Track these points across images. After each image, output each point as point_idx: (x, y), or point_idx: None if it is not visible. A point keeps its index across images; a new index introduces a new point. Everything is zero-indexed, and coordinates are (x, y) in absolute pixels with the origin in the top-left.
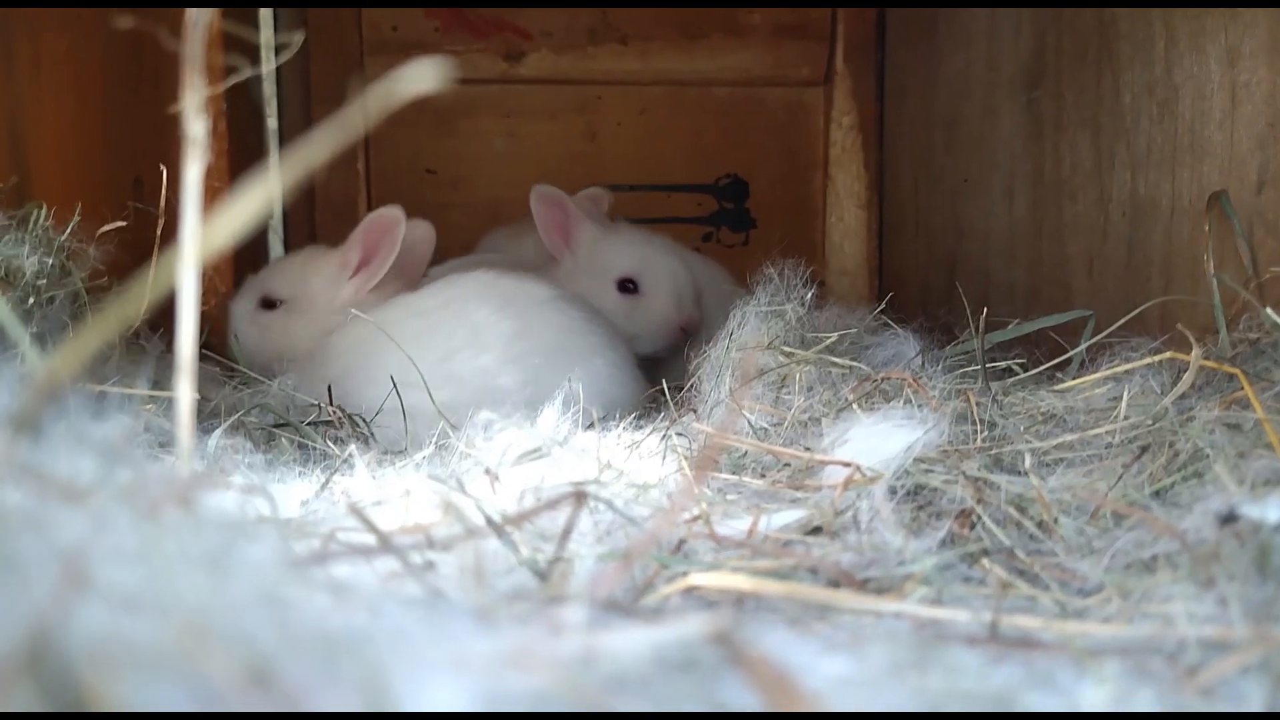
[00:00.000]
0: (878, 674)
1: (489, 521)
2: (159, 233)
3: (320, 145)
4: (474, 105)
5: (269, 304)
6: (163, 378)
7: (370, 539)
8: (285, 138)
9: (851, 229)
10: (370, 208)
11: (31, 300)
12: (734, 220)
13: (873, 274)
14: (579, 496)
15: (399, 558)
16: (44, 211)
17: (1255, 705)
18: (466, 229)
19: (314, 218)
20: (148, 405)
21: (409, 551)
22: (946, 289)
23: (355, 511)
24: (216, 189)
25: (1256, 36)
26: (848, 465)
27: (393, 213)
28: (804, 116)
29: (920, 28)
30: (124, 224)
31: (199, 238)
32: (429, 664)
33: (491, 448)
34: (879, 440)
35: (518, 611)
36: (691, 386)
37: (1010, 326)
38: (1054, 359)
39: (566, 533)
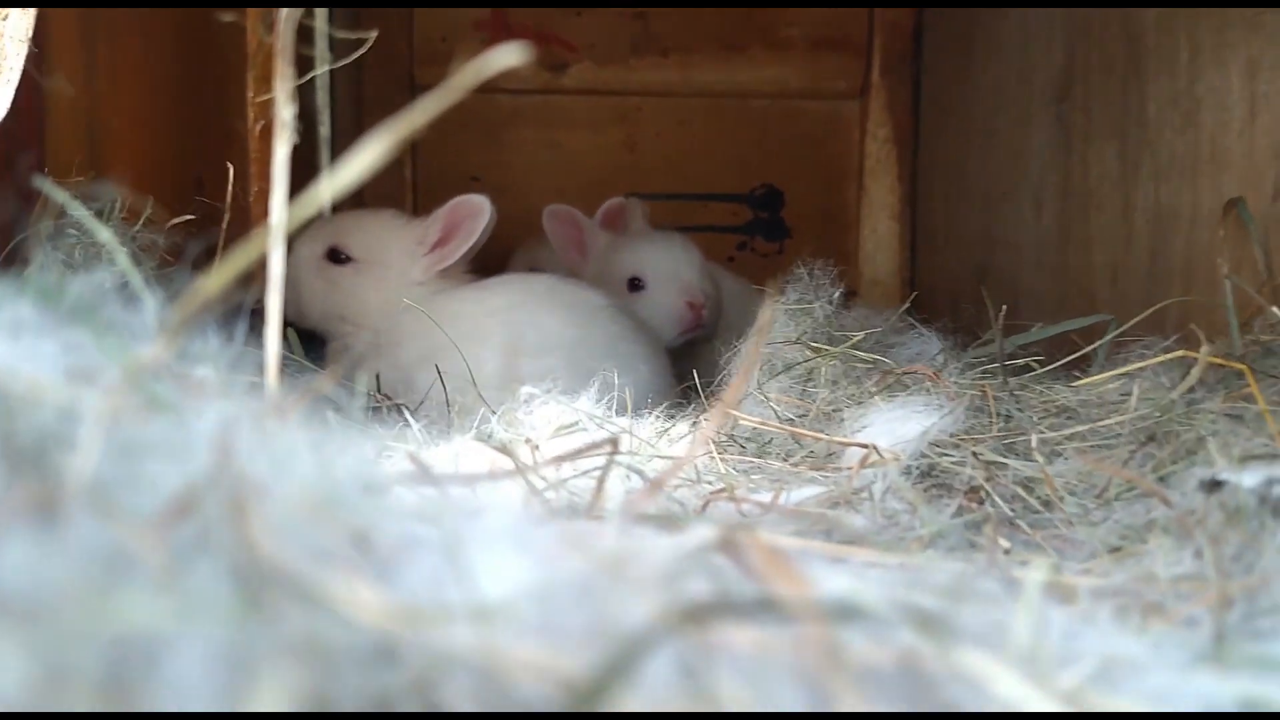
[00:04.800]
0: (871, 584)
1: (531, 466)
2: (224, 225)
3: (418, 115)
4: (518, 115)
5: (337, 257)
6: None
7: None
8: (335, 146)
9: (884, 240)
10: (416, 212)
11: (48, 284)
12: (768, 230)
13: (905, 284)
14: (614, 442)
15: (447, 490)
16: (119, 203)
17: (1205, 633)
18: (509, 235)
19: None
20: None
21: (463, 485)
22: (976, 298)
23: (414, 459)
24: (267, 189)
25: (1275, 47)
26: (865, 447)
27: (480, 201)
28: (840, 128)
29: (956, 41)
30: (192, 217)
31: (285, 209)
32: (498, 542)
33: (532, 421)
34: (897, 425)
35: (565, 524)
36: (721, 380)
37: (1033, 329)
38: (1076, 363)
39: (604, 474)
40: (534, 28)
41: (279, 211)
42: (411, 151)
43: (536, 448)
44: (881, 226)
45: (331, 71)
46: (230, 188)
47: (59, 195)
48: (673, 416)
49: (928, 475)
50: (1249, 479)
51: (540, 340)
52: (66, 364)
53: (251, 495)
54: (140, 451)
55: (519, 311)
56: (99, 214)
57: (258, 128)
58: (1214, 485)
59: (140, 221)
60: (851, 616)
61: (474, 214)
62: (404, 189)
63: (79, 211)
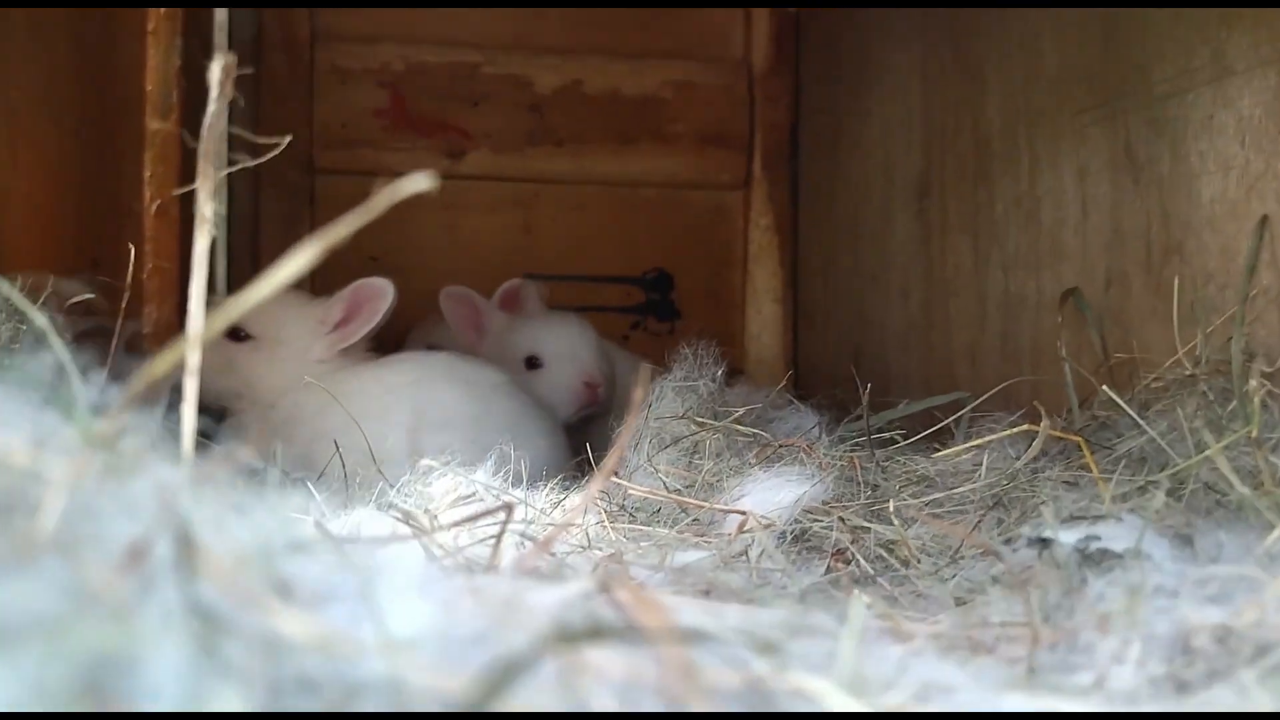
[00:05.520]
0: (726, 622)
1: (429, 529)
2: (124, 305)
3: (333, 234)
4: (417, 198)
5: (236, 334)
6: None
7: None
8: (232, 223)
9: (768, 321)
10: (315, 291)
11: (6, 363)
12: (660, 310)
13: (788, 363)
14: (509, 507)
15: (347, 553)
16: (18, 282)
17: (1021, 668)
18: (407, 314)
19: None
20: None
21: (366, 549)
22: (852, 376)
23: (318, 525)
24: (165, 269)
25: (1100, 156)
26: (743, 514)
27: (382, 284)
28: (725, 217)
29: (827, 141)
30: (91, 295)
31: (203, 299)
32: (403, 591)
33: (430, 493)
34: (772, 493)
35: (463, 577)
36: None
37: (899, 406)
38: (938, 437)
39: (500, 537)
40: (433, 117)
41: (198, 301)
42: (310, 232)
43: (435, 517)
44: (765, 309)
45: (231, 152)
46: (130, 268)
47: (21, 303)
48: (567, 488)
49: (800, 539)
50: (1069, 537)
51: (440, 416)
52: (28, 433)
53: (198, 544)
54: (97, 509)
55: (419, 388)
56: None
57: (153, 207)
58: (1042, 543)
59: (40, 301)
60: (702, 640)
61: (376, 296)
62: None
63: (19, 300)
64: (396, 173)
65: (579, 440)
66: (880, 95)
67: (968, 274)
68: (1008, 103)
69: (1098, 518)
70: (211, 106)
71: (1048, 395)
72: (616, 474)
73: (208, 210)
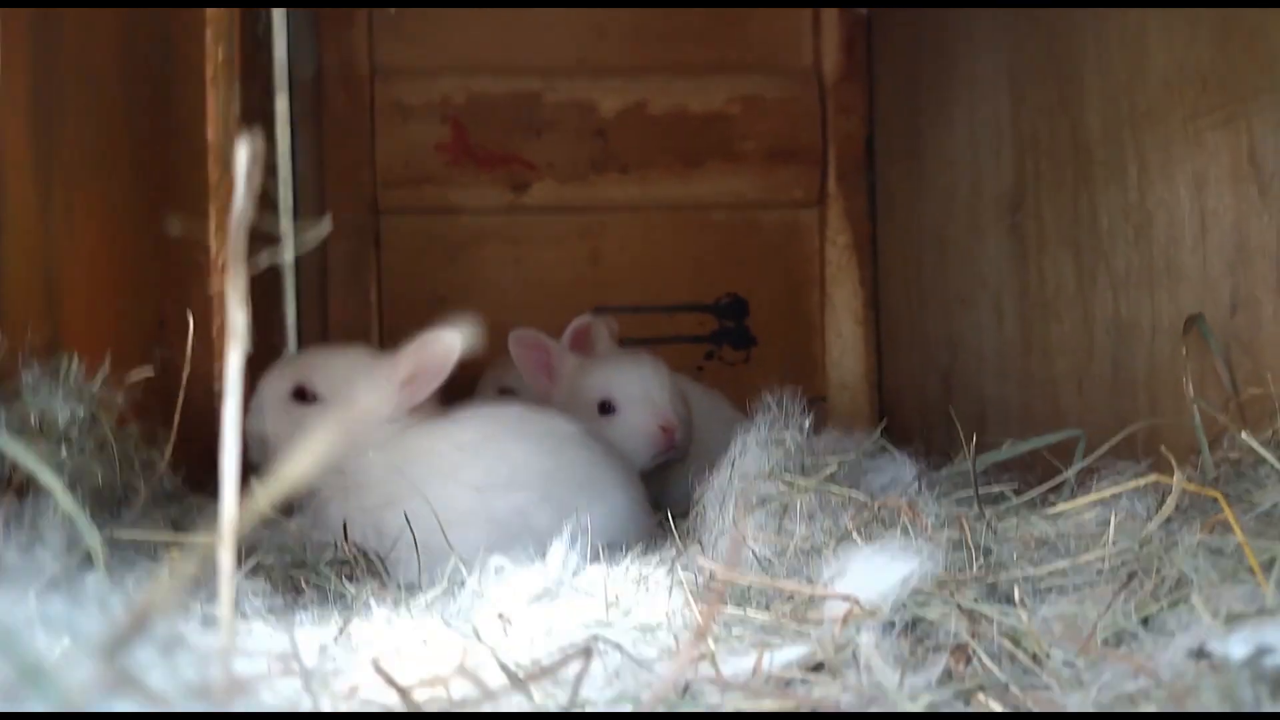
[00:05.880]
0: None
1: (508, 675)
2: (185, 379)
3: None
4: (482, 234)
5: (303, 396)
6: (186, 521)
7: (393, 694)
8: (301, 269)
9: (850, 344)
10: (382, 334)
11: (64, 451)
12: (735, 338)
13: (872, 388)
14: (587, 652)
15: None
16: (75, 362)
17: None
18: (475, 352)
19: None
20: (174, 553)
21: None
22: (943, 402)
23: (379, 670)
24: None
25: (1220, 164)
26: (847, 600)
27: (451, 338)
28: (800, 236)
29: (906, 150)
30: (150, 375)
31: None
32: None
33: (503, 590)
34: (877, 572)
35: None
36: (696, 515)
37: (1004, 447)
38: (1045, 477)
39: (578, 685)
40: (496, 150)
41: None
42: (376, 273)
43: (509, 622)
44: (846, 331)
45: (295, 194)
46: (190, 337)
47: (27, 459)
48: (649, 558)
49: (911, 628)
50: (1237, 648)
51: (512, 474)
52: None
53: None
54: None
55: (490, 445)
56: (53, 372)
57: (220, 260)
58: (1201, 654)
59: (97, 379)
60: None
61: (445, 352)
62: (369, 311)
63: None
64: (461, 211)
65: (655, 486)
66: (965, 100)
67: (1070, 294)
68: (1110, 106)
69: (1263, 613)
70: (238, 200)
71: (1166, 432)
72: (700, 543)
73: (239, 319)
